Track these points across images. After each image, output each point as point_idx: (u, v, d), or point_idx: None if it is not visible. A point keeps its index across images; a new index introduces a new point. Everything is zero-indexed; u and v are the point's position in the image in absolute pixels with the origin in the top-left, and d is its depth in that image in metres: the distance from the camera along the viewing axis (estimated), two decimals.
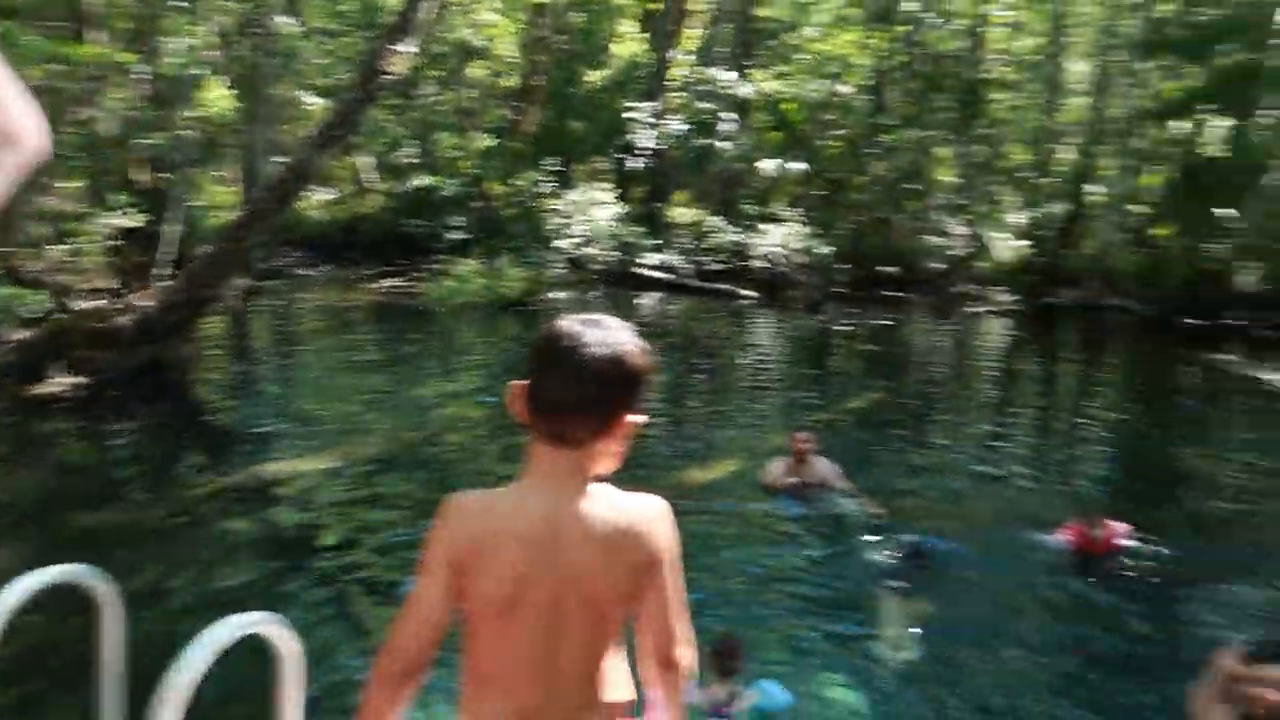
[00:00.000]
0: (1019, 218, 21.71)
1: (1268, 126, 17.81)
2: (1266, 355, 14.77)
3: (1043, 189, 21.52)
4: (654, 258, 20.06)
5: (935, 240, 21.12)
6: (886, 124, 21.86)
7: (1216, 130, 18.92)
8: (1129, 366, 15.59)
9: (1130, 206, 20.15)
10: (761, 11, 24.09)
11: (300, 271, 19.43)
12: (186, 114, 15.43)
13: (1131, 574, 6.04)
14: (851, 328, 16.67)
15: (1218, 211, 18.03)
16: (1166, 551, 6.32)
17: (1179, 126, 19.39)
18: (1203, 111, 18.68)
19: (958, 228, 21.36)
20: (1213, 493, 8.42)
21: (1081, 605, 5.82)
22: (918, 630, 5.19)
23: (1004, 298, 19.89)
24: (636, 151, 21.84)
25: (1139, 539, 6.33)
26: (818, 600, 5.65)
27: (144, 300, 10.90)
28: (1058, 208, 20.95)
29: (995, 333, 17.75)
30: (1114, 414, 11.81)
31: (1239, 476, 9.08)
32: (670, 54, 22.68)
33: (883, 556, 6.00)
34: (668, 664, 1.80)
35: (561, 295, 17.26)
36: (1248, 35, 17.42)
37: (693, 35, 23.68)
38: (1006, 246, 21.53)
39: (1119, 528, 6.32)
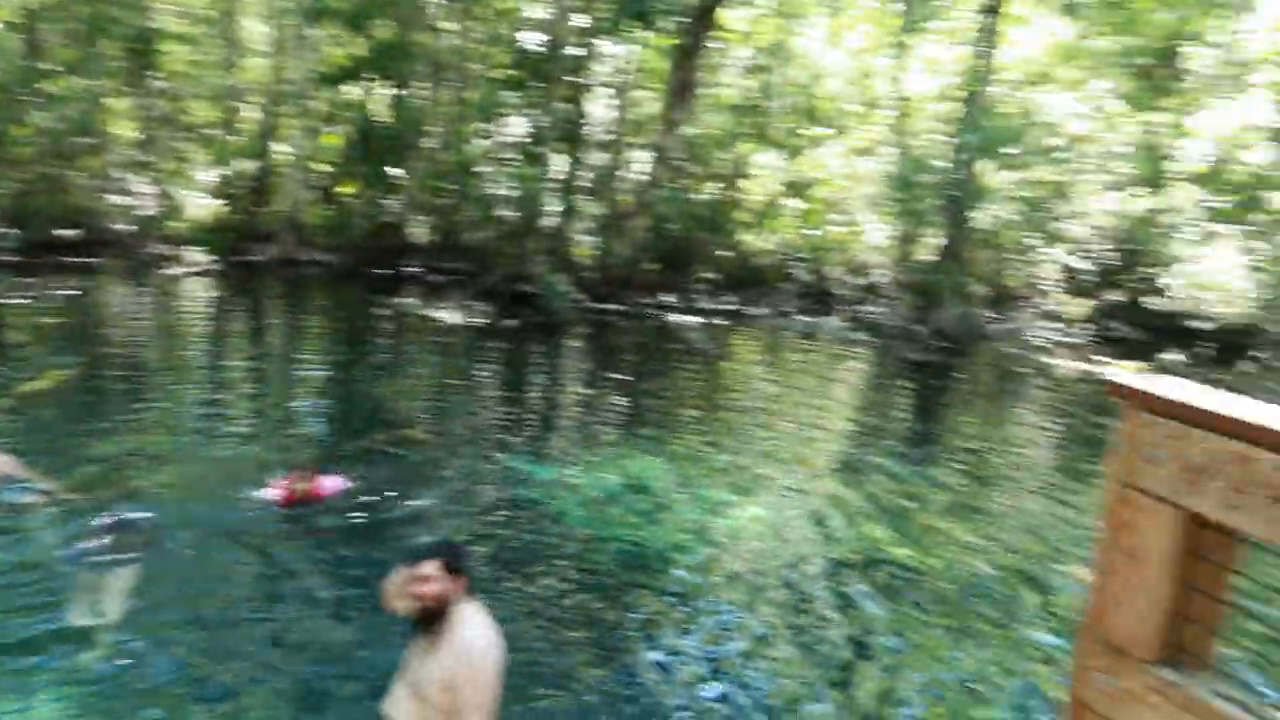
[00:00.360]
0: (210, 175, 21.26)
1: (421, 96, 20.26)
2: (439, 296, 17.05)
3: (230, 147, 21.36)
4: None
5: (120, 200, 19.56)
6: (46, 69, 19.34)
7: (383, 96, 20.87)
8: (328, 317, 16.57)
9: (314, 165, 21.19)
10: None
11: None
12: None
13: (342, 517, 6.53)
14: (28, 300, 14.63)
15: (389, 170, 20.05)
16: (372, 485, 7.03)
17: (351, 91, 20.90)
18: (368, 78, 20.40)
19: (144, 186, 20.08)
20: (410, 420, 9.54)
21: (292, 553, 6.13)
22: (130, 604, 4.92)
23: (201, 257, 19.38)
24: None
25: (348, 482, 6.88)
26: (15, 606, 4.96)
27: None
28: (248, 165, 21.03)
29: (196, 294, 17.27)
30: (319, 363, 12.52)
31: (430, 401, 10.52)
32: None
33: (80, 539, 5.51)
34: None
35: None
36: (397, 11, 19.47)
37: None
38: (199, 205, 20.96)
39: (326, 478, 6.77)
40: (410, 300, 16.73)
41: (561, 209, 18.45)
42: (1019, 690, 5.22)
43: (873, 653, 5.55)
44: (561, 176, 18.59)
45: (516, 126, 19.24)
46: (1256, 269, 17.22)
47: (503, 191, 18.40)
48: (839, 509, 8.07)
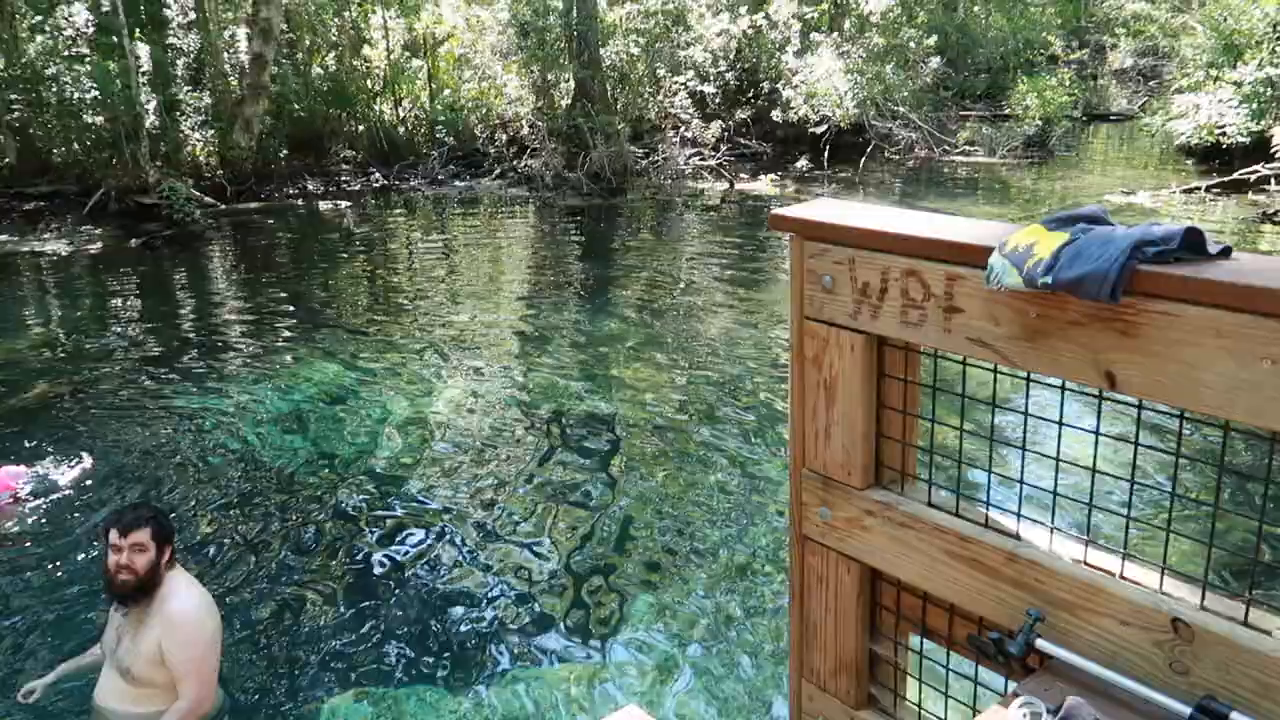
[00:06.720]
0: None
1: None
2: (37, 227, 14.69)
3: None
4: None
5: None
6: None
7: None
8: None
9: None
10: None
11: None
12: None
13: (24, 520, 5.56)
14: None
15: None
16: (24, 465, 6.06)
17: None
18: None
19: None
20: (39, 377, 8.22)
21: None
22: None
23: None
24: None
25: (22, 470, 5.89)
26: None
27: None
28: None
29: None
30: None
31: (59, 350, 9.07)
32: None
33: None
34: None
35: None
36: None
37: None
38: None
39: (5, 473, 5.73)
40: (1, 238, 14.29)
41: (161, 104, 16.31)
42: (748, 521, 5.60)
43: (597, 510, 5.70)
44: (150, 67, 16.38)
45: (79, 16, 16.55)
46: (851, 71, 18.88)
47: (86, 94, 15.87)
48: (534, 372, 8.13)
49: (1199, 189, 15.32)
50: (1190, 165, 17.66)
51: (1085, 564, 1.56)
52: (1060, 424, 1.57)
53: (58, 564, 5.03)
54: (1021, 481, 1.65)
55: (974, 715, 1.70)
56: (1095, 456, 1.54)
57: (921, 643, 1.89)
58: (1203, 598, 1.44)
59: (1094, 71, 30.35)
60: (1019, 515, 1.66)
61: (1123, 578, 1.52)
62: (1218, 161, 16.56)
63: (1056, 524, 1.62)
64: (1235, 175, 15.18)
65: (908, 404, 1.79)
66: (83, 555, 5.10)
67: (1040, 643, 1.55)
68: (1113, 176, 17.77)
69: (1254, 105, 14.71)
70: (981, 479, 1.86)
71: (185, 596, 3.66)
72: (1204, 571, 1.46)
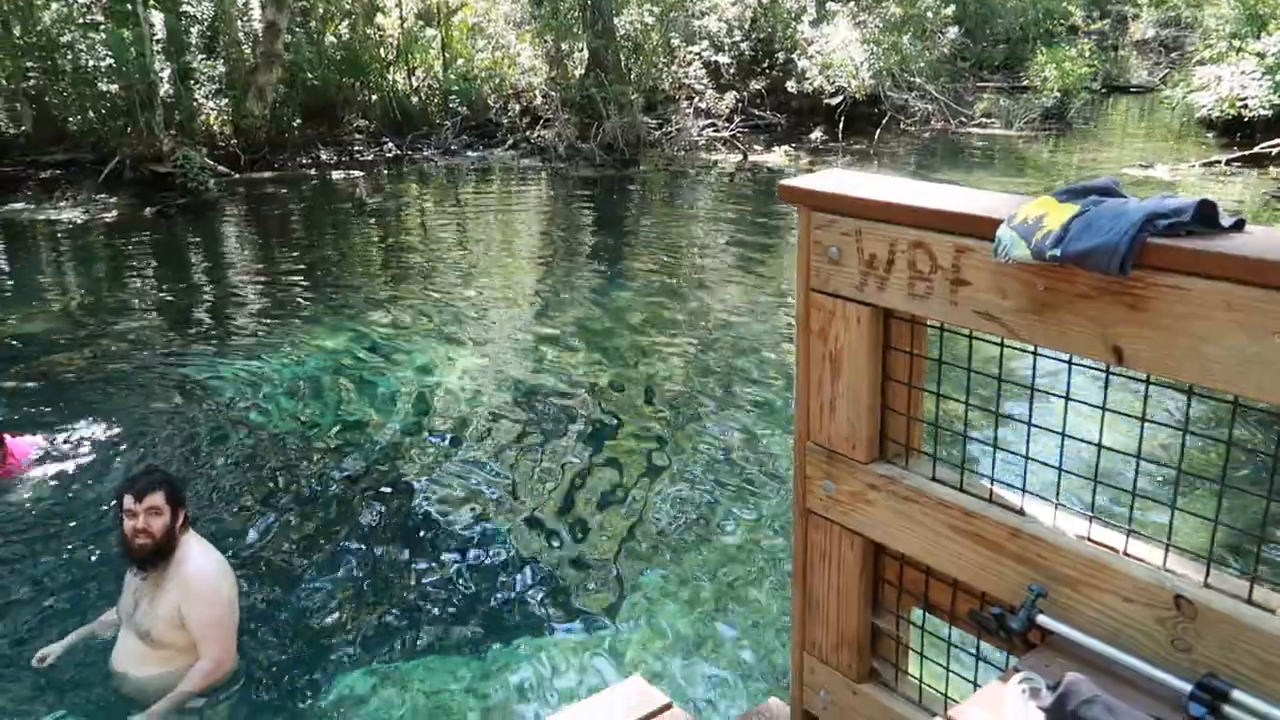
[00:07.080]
0: None
1: None
2: (53, 195, 14.71)
3: None
4: None
5: None
6: None
7: None
8: None
9: None
10: None
11: None
12: None
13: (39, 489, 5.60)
14: None
15: None
16: (39, 434, 6.10)
17: None
18: None
19: None
20: (54, 346, 8.26)
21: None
22: None
23: None
24: None
25: (41, 441, 5.93)
26: None
27: None
28: None
29: None
30: None
31: (74, 319, 9.11)
32: None
33: None
34: None
35: None
36: None
37: None
38: None
39: (17, 442, 5.77)
40: (17, 205, 14.33)
41: (175, 73, 16.27)
42: (758, 493, 5.60)
43: (605, 480, 5.71)
44: (164, 35, 16.32)
45: None
46: (868, 41, 18.66)
47: (100, 62, 15.83)
48: (547, 342, 8.13)
49: (1219, 162, 15.13)
50: (1211, 138, 17.43)
51: (1089, 540, 1.55)
52: (1067, 399, 1.56)
53: (72, 531, 5.08)
54: (1026, 457, 1.64)
55: (974, 690, 1.69)
56: (1101, 431, 1.52)
57: (924, 617, 1.88)
58: (1206, 575, 1.42)
59: (1115, 42, 29.90)
60: (1023, 490, 1.64)
61: (1126, 554, 1.51)
62: (1239, 135, 16.33)
63: (1060, 500, 1.60)
64: (1256, 149, 14.98)
65: (913, 377, 1.77)
66: (97, 522, 5.15)
67: (1042, 618, 1.54)
68: (1131, 149, 17.56)
69: (1277, 77, 14.46)
70: (986, 453, 1.84)
71: (201, 559, 3.71)
72: (1208, 548, 1.44)
